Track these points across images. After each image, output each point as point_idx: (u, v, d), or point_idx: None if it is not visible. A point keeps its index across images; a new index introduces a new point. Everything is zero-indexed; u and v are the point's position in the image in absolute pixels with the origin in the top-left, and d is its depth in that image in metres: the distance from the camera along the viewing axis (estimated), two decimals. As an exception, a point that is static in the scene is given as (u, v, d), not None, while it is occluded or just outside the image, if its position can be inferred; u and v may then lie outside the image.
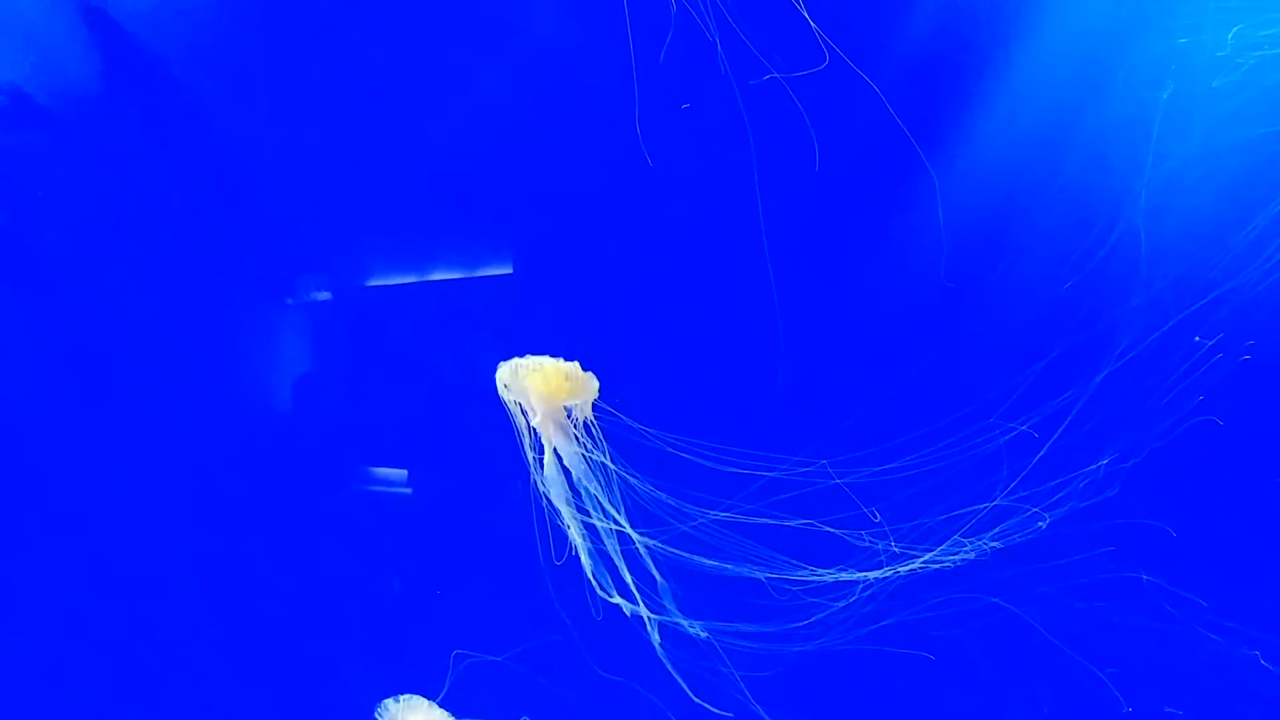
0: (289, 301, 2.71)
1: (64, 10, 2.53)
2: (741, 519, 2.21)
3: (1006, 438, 2.22)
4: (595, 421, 2.30)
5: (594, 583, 2.22)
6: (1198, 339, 2.22)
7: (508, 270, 2.66)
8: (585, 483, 2.26)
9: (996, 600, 2.28)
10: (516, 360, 2.34)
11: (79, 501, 2.61)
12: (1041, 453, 2.20)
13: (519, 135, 2.57)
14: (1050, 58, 2.34)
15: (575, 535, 2.26)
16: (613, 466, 2.28)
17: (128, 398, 2.63)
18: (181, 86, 2.57)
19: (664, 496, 2.25)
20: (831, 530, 2.19)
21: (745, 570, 2.22)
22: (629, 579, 2.23)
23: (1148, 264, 2.27)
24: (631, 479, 2.27)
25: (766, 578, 2.23)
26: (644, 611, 2.22)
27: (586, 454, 2.29)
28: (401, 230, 2.70)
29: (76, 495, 2.61)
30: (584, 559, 2.23)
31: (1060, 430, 2.23)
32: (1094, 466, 2.19)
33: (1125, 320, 2.28)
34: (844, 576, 2.23)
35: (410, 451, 2.73)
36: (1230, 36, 2.20)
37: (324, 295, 2.71)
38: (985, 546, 2.17)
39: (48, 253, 2.61)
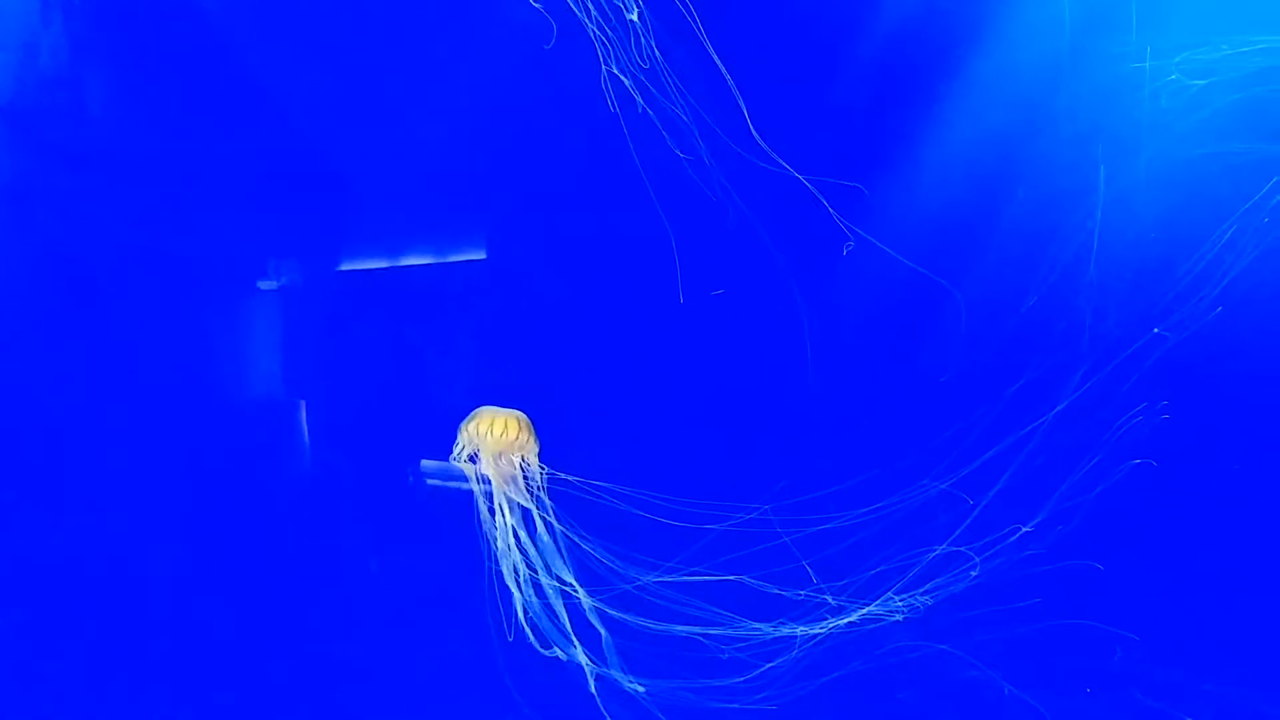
0: (260, 286, 2.69)
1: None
2: (672, 579, 2.23)
3: (942, 486, 2.22)
4: (541, 473, 2.34)
5: (528, 631, 2.24)
6: (1157, 330, 2.25)
7: (481, 256, 2.66)
8: (523, 534, 2.29)
9: (944, 647, 2.27)
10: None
11: (42, 489, 2.55)
12: (976, 511, 2.21)
13: (493, 120, 2.57)
14: (1001, 79, 2.39)
15: (513, 584, 2.28)
16: (559, 526, 2.31)
17: (94, 383, 2.59)
18: (152, 70, 2.57)
19: (601, 556, 2.27)
20: (762, 586, 2.20)
21: (682, 630, 2.23)
22: (568, 626, 2.25)
23: (1095, 303, 2.29)
24: (575, 538, 2.30)
25: (704, 635, 2.24)
26: (582, 659, 2.24)
27: (530, 508, 2.33)
28: (374, 215, 2.69)
29: (40, 482, 2.55)
30: (519, 610, 2.26)
31: (998, 486, 2.23)
32: (1030, 525, 2.19)
33: (1066, 366, 2.28)
34: (783, 631, 2.23)
35: (379, 439, 2.70)
36: (1178, 61, 2.26)
37: (294, 281, 2.69)
38: (919, 601, 2.17)
39: (11, 240, 2.57)
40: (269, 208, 2.68)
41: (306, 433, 2.71)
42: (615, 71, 2.28)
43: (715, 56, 2.22)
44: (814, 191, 2.26)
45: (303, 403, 2.71)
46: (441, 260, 2.66)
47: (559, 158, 2.55)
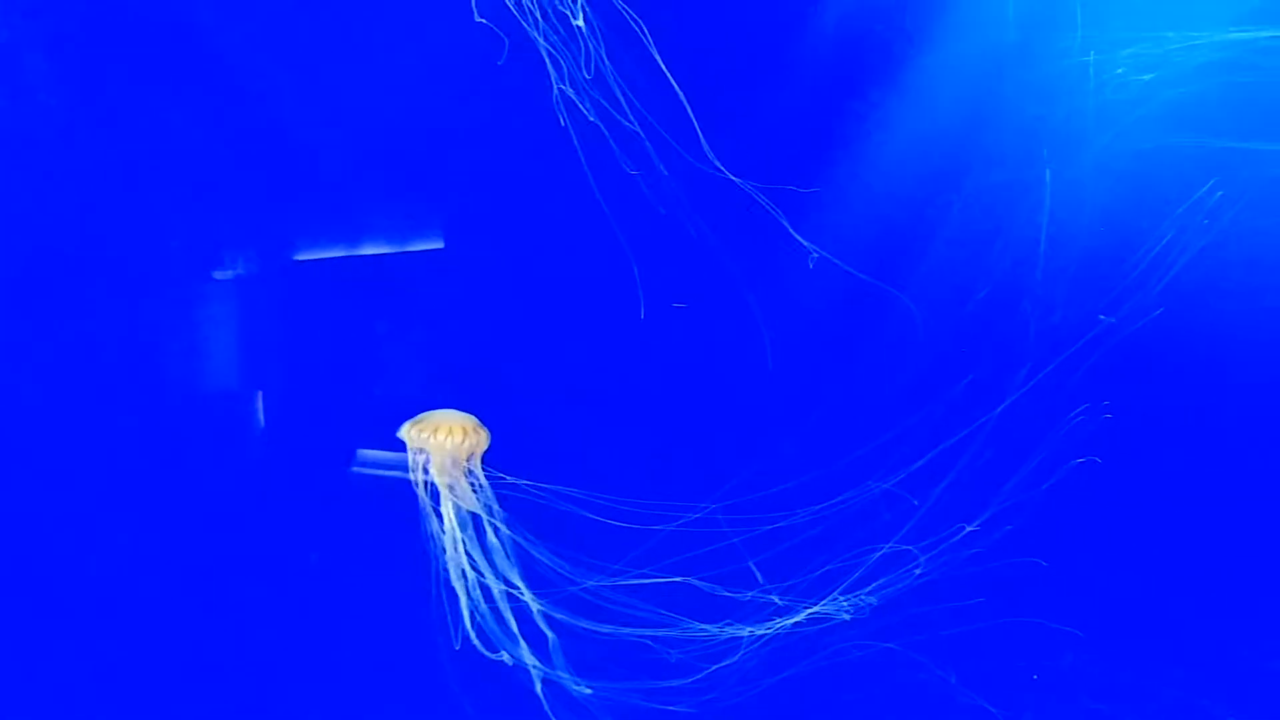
0: (215, 276, 2.65)
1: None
2: (617, 582, 2.22)
3: (885, 485, 2.21)
4: (483, 475, 2.32)
5: (472, 635, 2.23)
6: (1103, 317, 2.26)
7: (439, 245, 2.64)
8: (468, 537, 2.28)
9: (891, 645, 2.27)
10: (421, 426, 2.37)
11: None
12: (921, 511, 2.21)
13: (451, 107, 2.55)
14: (945, 75, 2.39)
15: (460, 587, 2.27)
16: (505, 530, 2.29)
17: (47, 374, 2.55)
18: (106, 59, 2.53)
19: (548, 559, 2.26)
20: (704, 586, 2.19)
21: (629, 633, 2.22)
22: (515, 629, 2.24)
23: (1041, 300, 2.29)
24: (521, 541, 2.28)
25: (652, 637, 2.23)
26: (529, 660, 2.22)
27: (477, 511, 2.31)
28: (330, 203, 2.66)
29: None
30: (465, 614, 2.24)
31: (943, 485, 2.23)
32: (975, 523, 2.19)
33: (1011, 363, 2.28)
34: (730, 632, 2.22)
35: (334, 430, 2.68)
36: (1125, 55, 2.27)
37: (249, 270, 2.67)
38: (865, 600, 2.16)
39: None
40: (224, 196, 2.64)
41: (262, 423, 2.68)
42: (565, 88, 2.26)
43: (660, 60, 2.20)
44: (758, 197, 2.25)
45: (259, 393, 2.69)
46: (400, 249, 2.63)
47: (516, 148, 2.52)
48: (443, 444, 2.34)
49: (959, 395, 2.28)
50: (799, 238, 2.31)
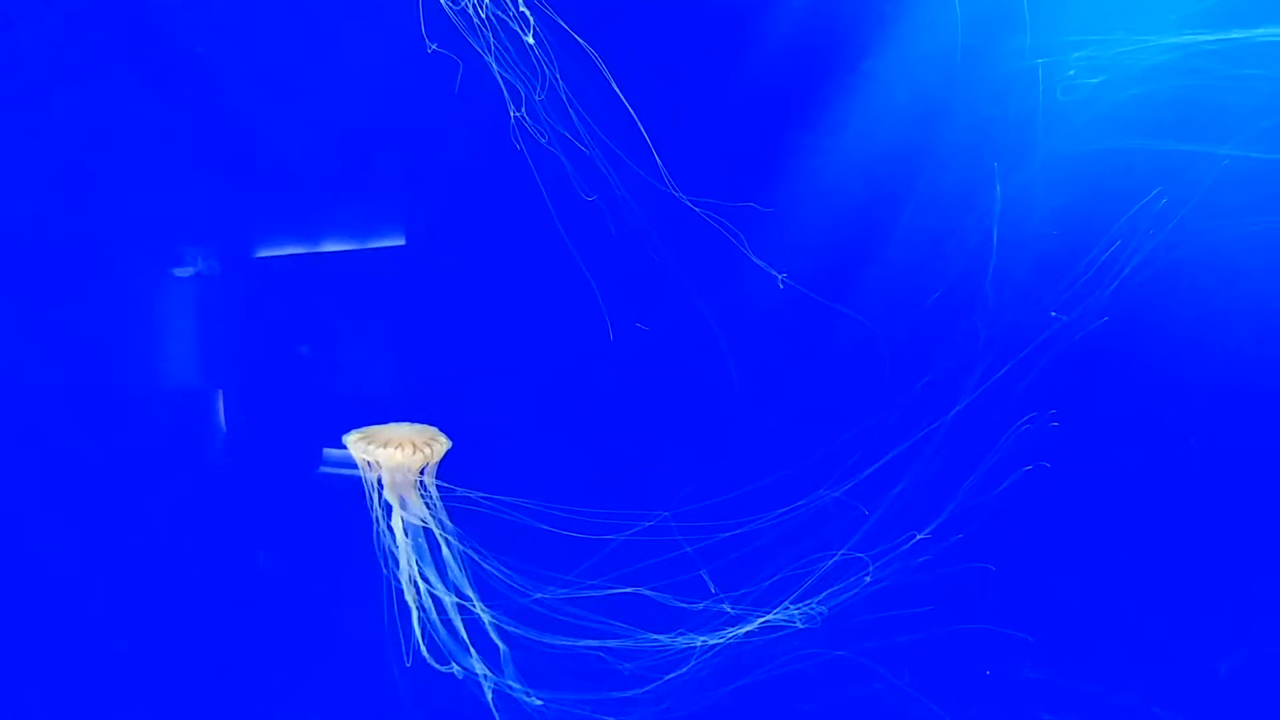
0: (175, 273, 2.62)
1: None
2: (569, 594, 2.21)
3: (834, 494, 2.21)
4: (434, 487, 2.31)
5: (423, 649, 2.22)
6: (1054, 314, 2.25)
7: (400, 242, 2.62)
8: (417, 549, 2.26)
9: (842, 653, 2.27)
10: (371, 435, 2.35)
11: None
12: (872, 520, 2.21)
13: (412, 103, 2.51)
14: (894, 79, 2.37)
15: (411, 598, 2.25)
16: (458, 545, 2.28)
17: (2, 372, 2.53)
18: (67, 50, 2.49)
19: (500, 570, 2.24)
20: (656, 597, 2.18)
21: (582, 644, 2.22)
22: (466, 639, 2.23)
23: (991, 305, 2.29)
24: (473, 554, 2.27)
25: (604, 648, 2.22)
26: (480, 671, 2.21)
27: (429, 524, 2.29)
28: (291, 200, 2.63)
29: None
30: (416, 626, 2.23)
31: (894, 492, 2.23)
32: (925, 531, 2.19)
33: (963, 366, 2.28)
34: (682, 642, 2.21)
35: (296, 429, 2.66)
36: (1076, 58, 2.26)
37: (210, 267, 2.63)
38: (816, 609, 2.16)
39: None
40: (183, 193, 2.60)
41: (222, 422, 2.66)
42: (521, 114, 2.25)
43: (610, 77, 2.19)
44: (713, 220, 2.24)
45: (220, 392, 2.67)
46: (361, 246, 2.60)
47: (479, 145, 2.47)
48: (392, 457, 2.31)
49: (910, 402, 2.28)
50: (760, 262, 2.29)
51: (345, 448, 2.49)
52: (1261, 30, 2.19)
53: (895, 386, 2.29)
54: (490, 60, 2.25)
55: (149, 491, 2.59)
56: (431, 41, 2.25)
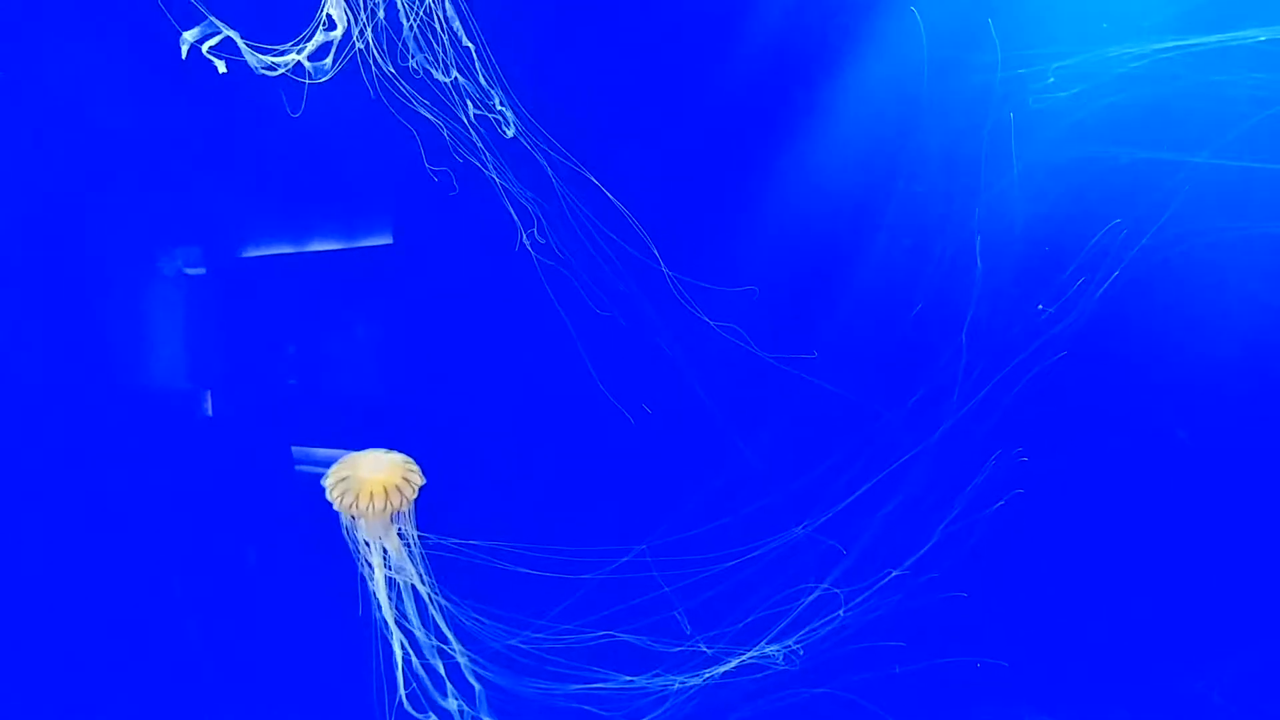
0: (164, 273, 2.63)
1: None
2: (544, 637, 2.19)
3: (809, 528, 2.18)
4: (413, 533, 2.30)
5: (402, 695, 2.21)
6: (1041, 307, 2.24)
7: (388, 241, 2.63)
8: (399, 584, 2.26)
9: (823, 690, 2.24)
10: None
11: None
12: (849, 559, 2.18)
13: (400, 105, 2.47)
14: (871, 93, 2.36)
15: (396, 643, 2.25)
16: (436, 596, 2.27)
17: None
18: (55, 51, 2.49)
19: (476, 615, 2.24)
20: (634, 640, 2.16)
21: (561, 688, 2.20)
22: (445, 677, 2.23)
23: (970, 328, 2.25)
24: (448, 603, 2.26)
25: (587, 688, 2.21)
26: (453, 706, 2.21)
27: (406, 570, 2.29)
28: (279, 200, 2.64)
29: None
30: (399, 666, 2.23)
31: (875, 522, 2.19)
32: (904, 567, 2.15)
33: (940, 390, 2.24)
34: (659, 683, 2.19)
35: (282, 425, 2.67)
36: (1054, 68, 2.23)
37: (198, 268, 2.65)
38: (794, 647, 2.13)
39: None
40: (172, 193, 2.60)
41: (210, 419, 2.66)
42: (472, 117, 2.23)
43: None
44: (655, 252, 2.21)
45: (208, 392, 2.68)
46: (349, 246, 2.60)
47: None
48: (367, 510, 2.31)
49: (882, 436, 2.24)
50: (721, 332, 2.26)
51: (323, 447, 2.51)
52: (1232, 35, 2.13)
53: (865, 426, 2.26)
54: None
55: (135, 488, 2.57)
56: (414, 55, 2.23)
